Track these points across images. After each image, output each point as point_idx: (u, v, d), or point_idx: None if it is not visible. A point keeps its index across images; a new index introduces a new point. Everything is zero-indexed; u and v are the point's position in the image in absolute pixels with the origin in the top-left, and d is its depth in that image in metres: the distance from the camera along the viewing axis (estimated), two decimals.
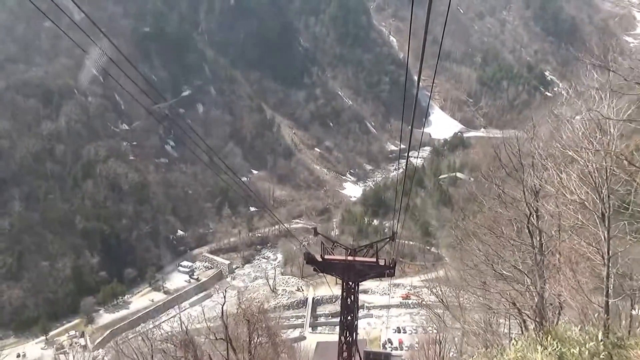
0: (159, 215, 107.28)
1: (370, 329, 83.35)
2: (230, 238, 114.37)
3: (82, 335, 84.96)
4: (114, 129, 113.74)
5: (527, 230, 13.14)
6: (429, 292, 46.26)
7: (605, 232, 7.63)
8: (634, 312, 8.28)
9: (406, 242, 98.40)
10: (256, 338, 20.90)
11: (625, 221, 7.70)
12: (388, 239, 16.92)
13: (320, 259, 16.49)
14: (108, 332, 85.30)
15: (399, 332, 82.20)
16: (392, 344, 77.98)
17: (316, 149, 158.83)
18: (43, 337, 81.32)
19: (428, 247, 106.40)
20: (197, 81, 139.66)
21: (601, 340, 7.34)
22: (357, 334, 18.18)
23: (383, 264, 15.92)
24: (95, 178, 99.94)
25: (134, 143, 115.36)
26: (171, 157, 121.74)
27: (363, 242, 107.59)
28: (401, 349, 70.81)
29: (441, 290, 32.06)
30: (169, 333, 20.95)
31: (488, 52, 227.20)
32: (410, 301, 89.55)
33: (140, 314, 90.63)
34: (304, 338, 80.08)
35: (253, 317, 20.85)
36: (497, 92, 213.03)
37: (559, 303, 10.38)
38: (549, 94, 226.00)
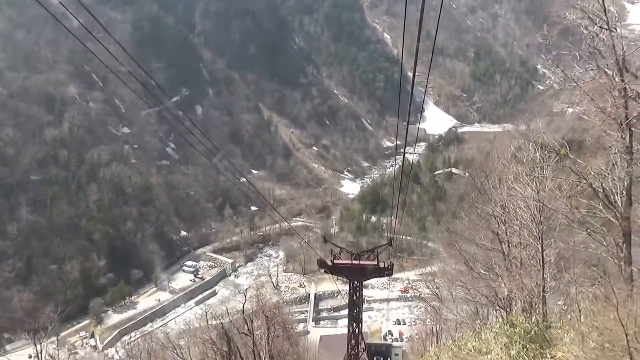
0: (162, 217, 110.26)
1: (371, 321, 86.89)
2: (232, 237, 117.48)
3: (92, 335, 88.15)
4: (115, 132, 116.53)
5: (497, 239, 16.41)
6: (425, 286, 49.70)
7: (540, 247, 10.92)
8: (559, 303, 11.50)
9: (404, 237, 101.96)
10: (274, 331, 24.15)
11: (554, 239, 11.01)
12: (386, 245, 20.21)
13: (330, 264, 19.74)
14: (117, 331, 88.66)
15: (399, 324, 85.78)
16: (392, 336, 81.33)
17: (314, 147, 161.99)
18: (54, 338, 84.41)
19: (425, 242, 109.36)
20: (195, 83, 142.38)
21: (537, 324, 10.66)
22: (362, 325, 21.49)
23: (382, 266, 19.18)
24: (99, 182, 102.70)
25: (136, 146, 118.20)
26: (172, 159, 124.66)
27: (362, 238, 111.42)
28: (401, 340, 74.21)
29: (435, 285, 35.47)
30: (205, 327, 23.99)
31: (481, 47, 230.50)
32: (408, 294, 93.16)
33: (147, 314, 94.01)
34: (307, 332, 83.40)
35: (271, 313, 24.08)
36: (490, 86, 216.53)
37: (511, 297, 13.72)
38: (540, 87, 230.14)
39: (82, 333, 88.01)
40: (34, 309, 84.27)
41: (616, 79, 8.92)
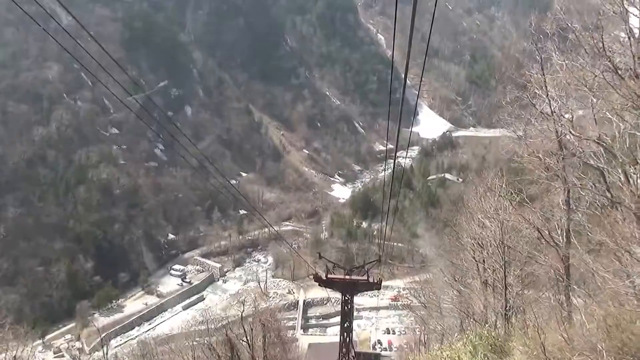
0: (150, 219, 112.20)
1: (360, 330, 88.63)
2: (220, 241, 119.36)
3: (78, 338, 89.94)
4: (104, 133, 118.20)
5: (474, 260, 19.13)
6: (413, 295, 52.41)
7: (503, 273, 13.71)
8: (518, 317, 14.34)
9: (395, 244, 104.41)
10: (269, 338, 26.69)
11: (515, 267, 13.83)
12: (375, 261, 22.96)
13: (325, 278, 22.42)
14: (103, 335, 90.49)
15: (388, 333, 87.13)
16: (381, 345, 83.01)
17: (304, 150, 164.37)
18: (40, 341, 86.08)
19: (416, 249, 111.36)
20: (185, 83, 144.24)
21: (498, 337, 13.43)
22: (352, 335, 24.17)
23: (372, 281, 21.90)
24: (87, 183, 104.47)
25: (124, 147, 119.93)
26: (161, 161, 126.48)
27: (352, 244, 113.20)
28: (390, 350, 76.37)
29: (424, 295, 38.22)
30: (207, 331, 26.43)
31: (477, 50, 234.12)
32: (399, 303, 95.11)
33: (134, 318, 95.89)
34: (295, 340, 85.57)
35: (267, 321, 26.63)
36: (486, 90, 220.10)
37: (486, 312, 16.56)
38: (537, 92, 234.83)
39: (68, 336, 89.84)
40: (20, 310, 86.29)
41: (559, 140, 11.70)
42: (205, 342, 25.08)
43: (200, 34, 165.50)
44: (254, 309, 27.40)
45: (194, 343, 26.76)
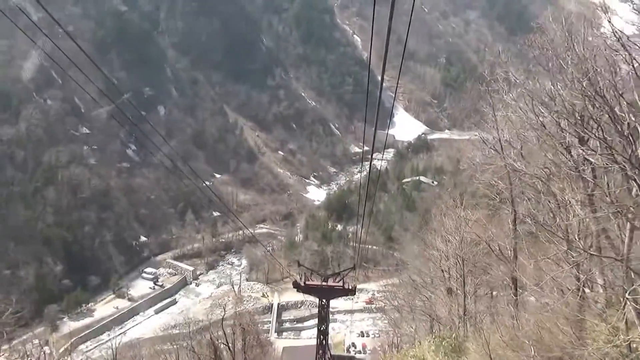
0: (121, 222, 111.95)
1: (334, 333, 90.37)
2: (193, 244, 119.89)
3: (47, 343, 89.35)
4: (74, 133, 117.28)
5: (440, 269, 21.45)
6: (387, 298, 54.80)
7: (462, 282, 15.96)
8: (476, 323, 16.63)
9: (369, 247, 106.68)
10: (249, 341, 28.45)
11: (473, 276, 16.11)
12: (350, 269, 25.09)
13: (303, 285, 24.41)
14: (73, 340, 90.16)
15: (363, 336, 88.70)
16: (355, 348, 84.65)
17: (280, 152, 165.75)
18: (7, 346, 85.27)
19: (391, 252, 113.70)
20: (158, 83, 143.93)
21: (457, 337, 15.67)
22: (328, 337, 26.22)
23: (347, 287, 24.02)
24: (56, 184, 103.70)
25: (95, 147, 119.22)
26: (133, 162, 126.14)
27: (327, 247, 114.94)
28: (364, 353, 78.41)
29: (397, 300, 40.59)
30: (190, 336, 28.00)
31: (452, 53, 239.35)
32: (373, 306, 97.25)
33: (105, 322, 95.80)
34: (270, 344, 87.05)
35: (247, 325, 28.40)
36: (462, 93, 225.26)
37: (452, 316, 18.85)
38: (512, 95, 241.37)
39: (36, 341, 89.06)
40: None
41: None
42: (187, 345, 26.67)
43: (174, 33, 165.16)
44: (225, 312, 28.95)
45: (176, 346, 28.32)
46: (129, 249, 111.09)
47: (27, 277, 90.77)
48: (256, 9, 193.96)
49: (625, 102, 7.67)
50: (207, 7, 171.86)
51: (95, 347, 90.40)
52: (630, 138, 7.47)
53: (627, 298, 7.91)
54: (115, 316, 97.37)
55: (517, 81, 12.62)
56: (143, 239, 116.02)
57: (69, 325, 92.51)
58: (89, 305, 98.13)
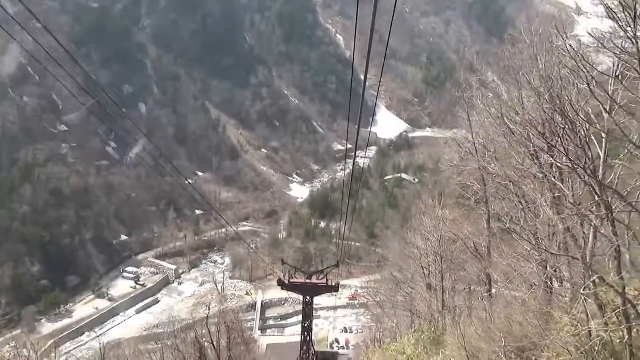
0: (101, 220, 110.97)
1: (318, 329, 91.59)
2: (175, 242, 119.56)
3: (24, 345, 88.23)
4: (52, 130, 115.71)
5: (420, 266, 22.25)
6: (369, 294, 55.83)
7: (440, 277, 16.80)
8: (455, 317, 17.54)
9: (352, 243, 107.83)
10: (234, 339, 28.93)
11: (451, 273, 16.97)
12: (334, 266, 25.84)
13: (287, 282, 25.06)
14: (51, 341, 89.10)
15: (346, 331, 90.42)
16: (339, 343, 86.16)
17: (262, 149, 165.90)
18: None
19: (373, 249, 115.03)
20: (139, 79, 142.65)
21: (435, 331, 16.50)
22: (312, 333, 26.95)
23: (331, 285, 24.76)
24: (33, 182, 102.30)
25: (74, 145, 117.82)
26: (112, 159, 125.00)
27: (311, 244, 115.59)
28: (347, 348, 79.56)
29: (379, 296, 41.49)
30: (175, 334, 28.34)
31: (433, 52, 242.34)
32: (356, 302, 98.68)
33: (84, 322, 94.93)
34: (255, 341, 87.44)
35: (232, 322, 28.90)
36: (442, 92, 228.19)
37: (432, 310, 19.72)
38: (490, 95, 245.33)
39: (13, 343, 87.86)
40: None
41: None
42: (172, 343, 27.05)
43: (155, 28, 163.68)
44: (210, 310, 29.45)
45: (161, 345, 28.68)
46: (109, 247, 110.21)
47: (3, 278, 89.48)
48: (239, 6, 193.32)
49: (582, 114, 8.48)
50: (188, 3, 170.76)
51: (75, 348, 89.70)
52: (586, 147, 8.29)
53: (581, 293, 8.74)
54: (95, 316, 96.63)
55: (491, 87, 13.42)
56: (124, 237, 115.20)
57: (47, 326, 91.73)
58: (68, 305, 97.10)
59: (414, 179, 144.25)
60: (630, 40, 7.59)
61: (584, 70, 8.10)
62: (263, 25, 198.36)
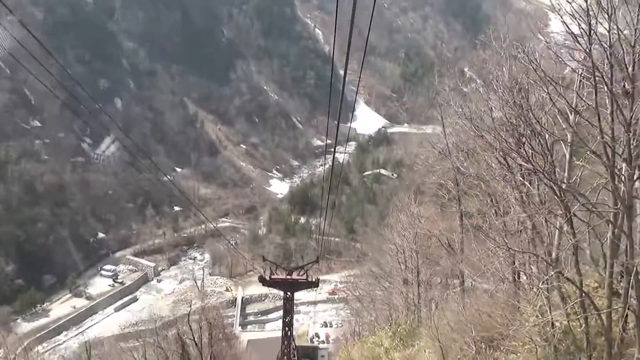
0: (77, 218, 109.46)
1: (298, 324, 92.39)
2: (154, 239, 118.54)
3: (0, 346, 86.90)
4: (25, 126, 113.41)
5: (397, 261, 22.94)
6: (349, 289, 56.65)
7: (417, 272, 17.51)
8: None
9: (332, 239, 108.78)
10: (215, 335, 29.32)
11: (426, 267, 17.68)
12: (314, 262, 26.36)
13: (268, 279, 25.51)
14: (28, 341, 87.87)
15: (326, 326, 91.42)
16: (319, 338, 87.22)
17: (242, 145, 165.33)
18: None
19: (353, 244, 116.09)
20: (115, 74, 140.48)
21: (412, 324, 17.20)
22: (293, 328, 27.47)
23: (311, 280, 25.28)
24: (6, 180, 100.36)
25: (47, 141, 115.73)
26: (88, 156, 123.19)
27: (291, 240, 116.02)
28: (328, 342, 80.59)
29: (358, 290, 42.31)
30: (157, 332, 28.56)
31: (411, 48, 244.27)
32: (336, 296, 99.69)
33: (61, 322, 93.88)
34: (236, 337, 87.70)
35: (213, 319, 29.26)
36: (420, 88, 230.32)
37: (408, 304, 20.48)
38: (465, 90, 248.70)
39: None
40: None
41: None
42: (153, 341, 27.30)
43: (130, 22, 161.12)
44: (192, 308, 29.82)
45: (142, 342, 28.88)
46: (86, 246, 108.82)
47: None
48: (216, 0, 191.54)
49: (545, 121, 9.15)
50: None
51: (52, 348, 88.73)
52: (547, 152, 8.95)
53: (539, 287, 9.47)
54: (72, 315, 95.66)
55: (464, 91, 14.09)
56: (101, 235, 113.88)
57: (23, 326, 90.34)
58: (44, 305, 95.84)
59: (393, 175, 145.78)
60: (586, 53, 8.24)
61: (545, 78, 8.73)
62: (241, 19, 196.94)
